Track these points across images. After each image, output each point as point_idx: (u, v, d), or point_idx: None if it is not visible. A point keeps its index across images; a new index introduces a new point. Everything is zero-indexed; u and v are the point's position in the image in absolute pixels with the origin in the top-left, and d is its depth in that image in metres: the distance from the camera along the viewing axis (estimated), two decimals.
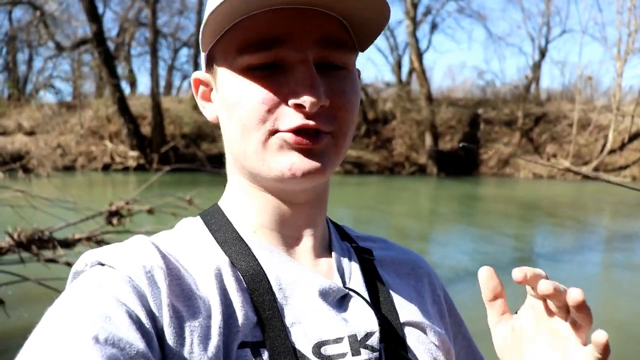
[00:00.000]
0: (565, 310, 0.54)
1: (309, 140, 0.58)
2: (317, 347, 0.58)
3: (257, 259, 0.62)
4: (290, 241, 0.66)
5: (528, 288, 0.54)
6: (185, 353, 0.52)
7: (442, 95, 30.19)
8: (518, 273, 0.51)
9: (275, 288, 0.60)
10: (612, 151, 24.19)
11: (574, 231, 11.08)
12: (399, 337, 0.64)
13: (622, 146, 24.38)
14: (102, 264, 0.56)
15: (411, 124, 26.10)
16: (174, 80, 37.15)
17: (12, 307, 4.54)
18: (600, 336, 0.50)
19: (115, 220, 4.69)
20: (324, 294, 0.62)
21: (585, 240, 9.95)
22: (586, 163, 24.29)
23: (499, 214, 13.24)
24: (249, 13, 0.57)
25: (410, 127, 26.11)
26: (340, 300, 0.64)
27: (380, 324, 0.62)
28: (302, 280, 0.62)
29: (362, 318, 0.62)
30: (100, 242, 4.55)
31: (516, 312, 0.58)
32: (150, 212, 5.03)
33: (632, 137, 24.51)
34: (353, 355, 0.59)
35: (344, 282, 0.66)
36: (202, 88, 0.68)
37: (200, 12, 27.80)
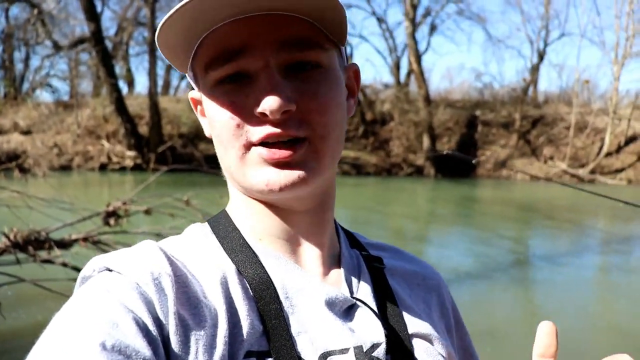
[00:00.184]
0: None
1: (283, 151, 0.57)
2: (323, 358, 0.57)
3: (264, 267, 0.61)
4: (296, 249, 0.65)
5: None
6: None
7: (439, 96, 30.24)
8: (550, 326, 0.51)
9: (281, 296, 0.60)
10: (608, 154, 24.27)
11: (570, 233, 11.11)
12: (406, 349, 0.63)
13: (619, 149, 24.48)
14: (110, 270, 0.56)
15: (409, 125, 26.13)
16: (172, 80, 37.00)
17: (8, 309, 4.52)
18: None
19: (112, 221, 4.68)
20: (331, 304, 0.61)
21: (582, 243, 9.97)
22: (583, 166, 24.36)
23: (496, 216, 13.26)
24: (208, 30, 0.57)
25: (408, 128, 26.15)
26: (347, 310, 0.63)
27: (387, 335, 0.61)
28: (309, 288, 0.62)
29: (368, 329, 0.61)
30: (97, 243, 4.54)
31: None
32: (147, 212, 5.02)
33: (629, 140, 24.61)
34: None
35: (351, 292, 0.65)
36: (199, 106, 0.69)
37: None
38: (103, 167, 22.71)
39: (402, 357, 0.62)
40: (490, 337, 4.63)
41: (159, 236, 4.95)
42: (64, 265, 4.18)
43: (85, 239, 4.40)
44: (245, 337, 0.55)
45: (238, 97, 0.58)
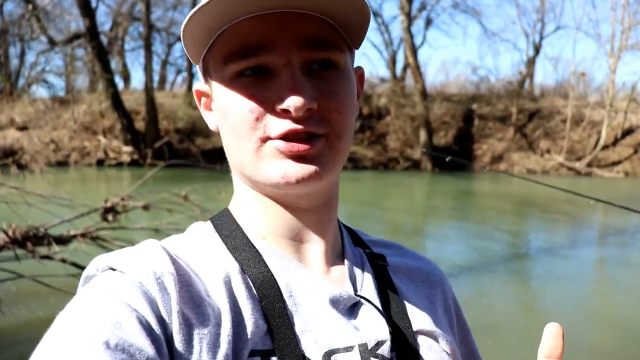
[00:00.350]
0: None
1: (301, 145, 0.58)
2: (328, 356, 0.57)
3: (267, 266, 0.61)
4: (300, 247, 0.66)
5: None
6: None
7: (435, 90, 30.21)
8: (557, 327, 0.51)
9: (285, 295, 0.60)
10: (605, 147, 24.32)
11: (567, 226, 11.15)
12: (411, 346, 0.63)
13: (615, 142, 24.52)
14: (113, 269, 0.56)
15: (405, 119, 26.11)
16: (168, 75, 36.95)
17: (9, 304, 4.52)
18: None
19: (110, 217, 4.69)
20: (335, 302, 0.62)
21: (578, 236, 10.02)
22: (579, 159, 24.41)
23: (493, 210, 13.30)
24: (231, 22, 0.57)
25: (404, 122, 26.13)
26: (351, 308, 0.63)
27: (391, 333, 0.61)
28: (313, 287, 0.62)
29: (373, 326, 0.62)
30: (95, 239, 4.54)
31: None
32: (145, 208, 5.02)
33: (625, 133, 24.66)
34: None
35: (355, 290, 0.65)
36: (203, 99, 0.68)
37: (194, 7, 27.63)
38: (100, 163, 22.65)
39: (407, 354, 0.62)
40: (488, 330, 4.65)
41: (157, 232, 4.96)
42: (63, 261, 4.18)
43: (83, 235, 4.40)
44: (249, 336, 0.55)
45: (258, 90, 0.58)
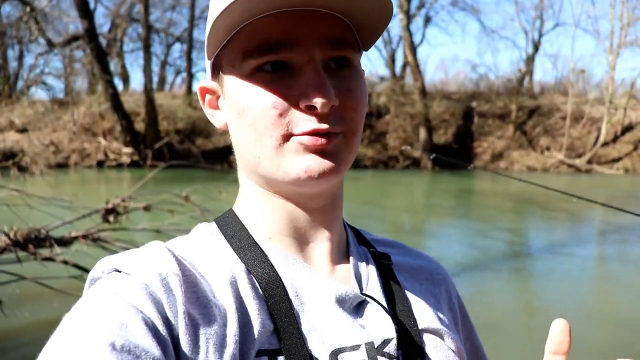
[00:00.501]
0: None
1: (323, 139, 0.58)
2: (334, 355, 0.58)
3: (273, 266, 0.62)
4: (306, 247, 0.66)
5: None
6: None
7: (435, 88, 30.19)
8: (564, 323, 0.51)
9: (291, 295, 0.60)
10: (605, 144, 24.31)
11: (567, 224, 11.15)
12: (417, 344, 0.63)
13: (615, 139, 24.51)
14: (119, 271, 0.57)
15: (405, 117, 26.11)
16: (167, 76, 36.94)
17: (12, 306, 4.53)
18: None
19: (111, 218, 4.69)
20: (341, 301, 0.62)
21: (579, 233, 10.02)
22: (579, 156, 24.41)
23: (494, 208, 13.30)
24: (253, 17, 0.57)
25: (404, 120, 26.12)
26: (357, 307, 0.64)
27: (397, 331, 0.62)
28: (318, 286, 0.62)
29: (379, 325, 0.62)
30: (96, 240, 4.55)
31: None
32: (146, 209, 5.03)
33: (625, 130, 24.65)
34: None
35: (361, 288, 0.65)
36: (208, 96, 0.68)
37: (193, 7, 27.64)
38: (100, 165, 22.64)
39: (413, 352, 0.63)
40: (490, 328, 4.65)
41: (158, 232, 4.96)
42: (65, 262, 4.19)
43: (85, 237, 4.41)
44: (256, 336, 0.55)
45: (281, 87, 0.58)
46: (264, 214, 0.66)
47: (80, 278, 4.36)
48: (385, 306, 0.64)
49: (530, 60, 29.60)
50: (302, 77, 0.58)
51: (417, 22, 32.76)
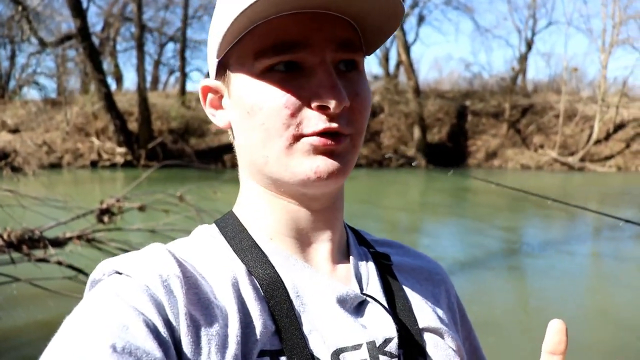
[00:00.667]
0: None
1: (332, 141, 0.59)
2: (336, 354, 0.58)
3: (273, 267, 0.62)
4: (307, 248, 0.66)
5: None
6: None
7: (429, 87, 30.28)
8: (560, 323, 0.51)
9: (292, 295, 0.60)
10: (598, 142, 24.47)
11: (562, 221, 11.21)
12: (418, 343, 0.64)
13: (607, 137, 24.69)
14: (120, 273, 0.57)
15: (399, 116, 26.17)
16: (161, 75, 36.74)
17: (5, 308, 4.51)
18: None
19: (106, 218, 4.67)
20: (342, 301, 0.62)
21: (573, 231, 10.08)
22: (572, 154, 24.56)
23: (489, 206, 13.34)
24: (267, 17, 0.57)
25: (398, 119, 26.18)
26: (358, 307, 0.64)
27: (398, 330, 0.62)
28: (319, 287, 0.62)
29: (380, 324, 0.62)
30: (91, 241, 4.53)
31: None
32: (141, 209, 5.01)
33: (617, 128, 24.83)
34: None
35: (361, 288, 0.66)
36: (210, 95, 0.67)
37: (186, 7, 27.55)
38: (93, 165, 22.55)
39: (414, 351, 0.63)
40: (487, 327, 4.67)
41: (153, 232, 4.95)
42: (59, 263, 4.17)
43: (79, 237, 4.39)
44: (258, 336, 0.55)
45: (293, 87, 0.58)
46: (266, 214, 0.66)
47: (74, 279, 4.34)
48: (386, 306, 0.64)
49: (523, 58, 29.74)
50: (314, 77, 0.58)
51: (411, 21, 32.68)
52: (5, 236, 3.80)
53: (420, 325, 0.66)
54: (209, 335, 0.53)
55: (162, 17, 32.07)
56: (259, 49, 0.58)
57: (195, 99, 25.87)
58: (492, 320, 4.96)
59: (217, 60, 0.63)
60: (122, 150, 22.62)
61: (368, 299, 0.64)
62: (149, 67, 32.51)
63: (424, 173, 22.75)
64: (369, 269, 0.69)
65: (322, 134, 0.58)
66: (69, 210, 5.00)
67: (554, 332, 0.50)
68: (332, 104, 0.57)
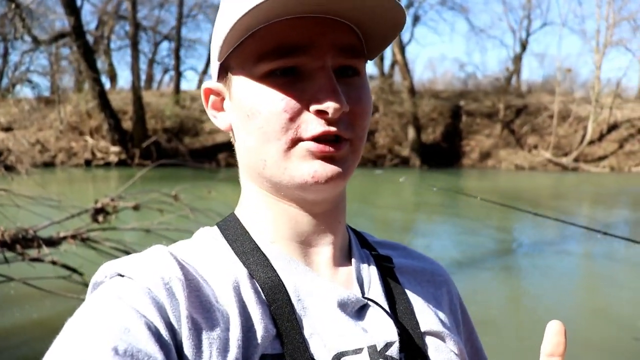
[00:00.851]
0: None
1: (331, 147, 0.59)
2: (337, 358, 0.58)
3: (275, 270, 0.62)
4: (309, 251, 0.66)
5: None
6: None
7: (423, 87, 30.34)
8: (559, 325, 0.51)
9: (293, 299, 0.60)
10: (591, 142, 24.60)
11: (555, 221, 11.23)
12: (419, 347, 0.64)
13: (601, 137, 24.82)
14: (122, 275, 0.56)
15: (394, 116, 26.20)
16: (155, 74, 36.58)
17: (1, 307, 4.49)
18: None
19: (100, 218, 4.65)
20: (343, 305, 0.62)
21: (566, 231, 10.11)
22: (566, 154, 24.67)
23: (482, 206, 13.37)
24: (270, 21, 0.57)
25: (392, 119, 26.22)
26: (359, 311, 0.64)
27: (399, 334, 0.62)
28: (321, 291, 0.62)
29: (381, 328, 0.62)
30: (85, 240, 4.51)
31: None
32: (135, 208, 4.99)
33: (611, 128, 24.97)
34: None
35: (363, 292, 0.66)
36: (212, 97, 0.67)
37: (181, 5, 27.47)
38: (87, 163, 22.45)
39: (416, 355, 0.63)
40: (483, 326, 4.68)
41: (148, 232, 4.93)
42: (53, 263, 4.15)
43: (73, 237, 4.37)
44: (259, 340, 0.55)
45: (293, 91, 0.58)
46: (267, 218, 0.66)
47: (69, 278, 4.32)
48: (387, 309, 0.64)
49: (517, 59, 29.85)
50: (313, 82, 0.58)
51: (406, 21, 32.76)
52: None
53: (422, 329, 0.66)
54: (210, 339, 0.53)
55: (156, 15, 32.00)
56: (261, 52, 0.58)
57: (189, 98, 25.81)
58: (487, 320, 4.97)
59: (219, 62, 0.63)
60: (116, 149, 22.54)
61: (369, 302, 0.64)
62: (143, 65, 32.41)
63: (417, 172, 22.77)
64: (370, 272, 0.68)
65: (321, 139, 0.59)
66: (63, 210, 4.97)
67: (553, 334, 0.50)
68: (331, 109, 0.57)
